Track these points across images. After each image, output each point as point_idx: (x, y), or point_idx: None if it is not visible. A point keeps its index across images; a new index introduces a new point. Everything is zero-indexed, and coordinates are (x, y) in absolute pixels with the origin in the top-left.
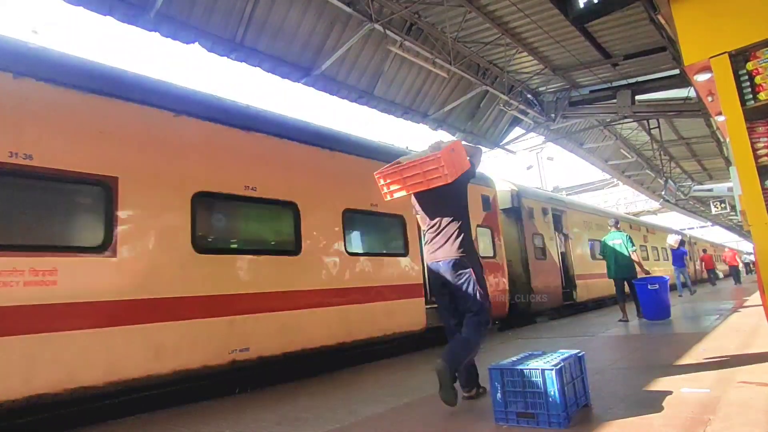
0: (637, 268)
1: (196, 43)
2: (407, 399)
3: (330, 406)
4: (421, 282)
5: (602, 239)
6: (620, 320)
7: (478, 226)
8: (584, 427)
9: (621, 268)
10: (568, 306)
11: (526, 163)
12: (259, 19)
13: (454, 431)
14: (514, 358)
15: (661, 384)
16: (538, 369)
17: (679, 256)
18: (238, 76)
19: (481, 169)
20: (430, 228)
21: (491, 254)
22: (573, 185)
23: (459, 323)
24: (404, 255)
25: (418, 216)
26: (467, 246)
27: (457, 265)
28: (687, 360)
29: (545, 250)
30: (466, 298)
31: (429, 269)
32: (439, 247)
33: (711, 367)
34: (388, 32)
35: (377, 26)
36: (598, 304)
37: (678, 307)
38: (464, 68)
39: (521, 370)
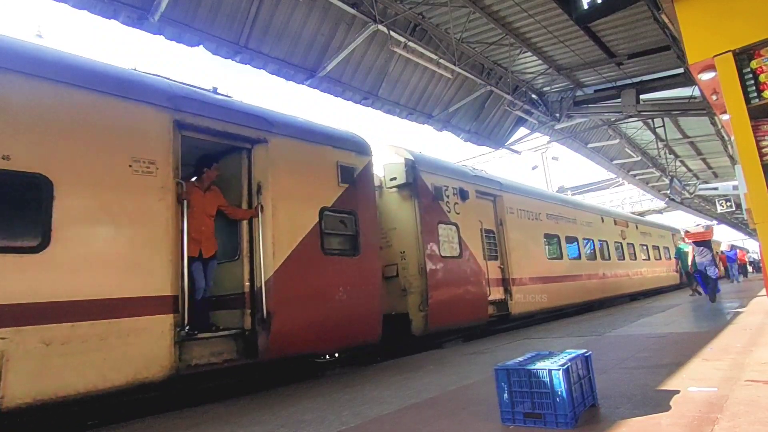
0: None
1: (201, 46)
2: (412, 400)
3: (334, 408)
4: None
5: (677, 246)
6: (690, 295)
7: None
8: (591, 426)
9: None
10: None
11: (531, 163)
12: (264, 21)
13: None
14: (520, 359)
15: (668, 383)
16: (546, 369)
17: (729, 256)
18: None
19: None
20: (699, 249)
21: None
22: (578, 185)
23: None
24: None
25: (691, 246)
26: (712, 257)
27: (709, 263)
28: (694, 359)
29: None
30: (711, 275)
31: (698, 264)
32: (704, 257)
33: (718, 365)
34: (392, 33)
35: (381, 27)
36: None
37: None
38: (468, 69)
39: (528, 370)
